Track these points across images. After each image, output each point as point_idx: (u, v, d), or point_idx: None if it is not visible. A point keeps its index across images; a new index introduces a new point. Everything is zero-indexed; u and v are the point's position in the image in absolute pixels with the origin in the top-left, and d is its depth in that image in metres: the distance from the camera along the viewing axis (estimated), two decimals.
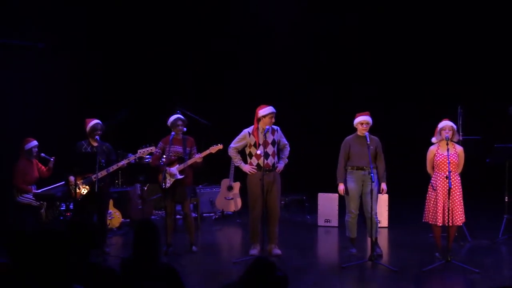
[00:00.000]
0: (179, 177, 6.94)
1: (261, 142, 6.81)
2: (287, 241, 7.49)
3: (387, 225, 8.62)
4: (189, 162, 6.96)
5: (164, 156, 7.06)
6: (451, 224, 6.36)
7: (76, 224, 3.48)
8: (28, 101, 9.14)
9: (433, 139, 6.58)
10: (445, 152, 6.35)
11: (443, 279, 6.11)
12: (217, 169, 9.77)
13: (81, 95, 10.09)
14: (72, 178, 6.90)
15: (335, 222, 8.77)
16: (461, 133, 7.49)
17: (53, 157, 8.11)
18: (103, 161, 6.96)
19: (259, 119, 6.81)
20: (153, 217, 9.41)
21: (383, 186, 6.89)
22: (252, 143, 6.88)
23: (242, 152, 7.07)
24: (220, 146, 7.00)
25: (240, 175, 7.90)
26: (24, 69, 9.05)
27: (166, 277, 3.60)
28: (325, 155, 8.88)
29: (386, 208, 8.63)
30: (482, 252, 7.15)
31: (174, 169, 6.93)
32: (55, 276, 2.64)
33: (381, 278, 6.11)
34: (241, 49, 11.71)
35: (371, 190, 6.49)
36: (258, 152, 6.83)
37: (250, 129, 6.91)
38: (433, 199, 6.49)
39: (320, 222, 8.93)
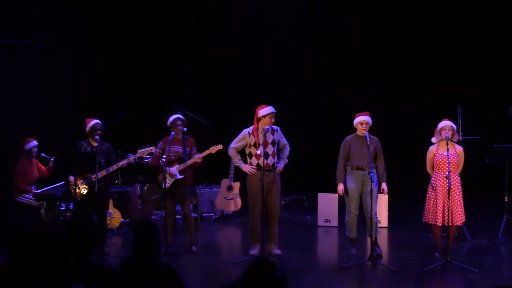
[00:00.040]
0: (179, 177, 6.94)
1: (261, 142, 6.82)
2: (287, 241, 7.49)
3: (387, 225, 8.62)
4: (189, 162, 6.96)
5: (164, 156, 7.06)
6: (450, 224, 6.36)
7: (76, 224, 3.48)
8: (28, 101, 9.14)
9: (433, 139, 6.58)
10: (445, 152, 6.35)
11: (443, 279, 6.11)
12: (217, 169, 9.77)
13: (81, 95, 10.09)
14: (72, 178, 6.90)
15: (335, 222, 8.77)
16: (461, 133, 7.49)
17: (53, 157, 8.11)
18: (103, 161, 6.96)
19: (259, 119, 6.81)
20: (153, 217, 9.41)
21: (384, 186, 6.89)
22: (252, 143, 6.88)
23: (242, 152, 7.07)
24: (220, 146, 7.00)
25: (240, 175, 7.90)
26: (24, 69, 9.05)
27: (166, 277, 3.61)
28: (325, 155, 8.89)
29: (386, 208, 8.63)
30: (482, 252, 7.16)
31: (174, 169, 6.93)
32: (55, 276, 2.64)
33: (381, 278, 6.11)
34: (241, 49, 11.72)
35: (371, 190, 6.49)
36: (258, 152, 6.83)
37: (250, 129, 6.91)
38: (433, 199, 6.49)
39: (320, 222, 8.93)
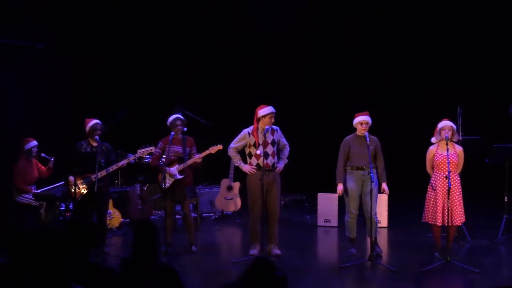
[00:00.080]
0: (179, 177, 6.94)
1: (260, 142, 6.82)
2: (287, 241, 7.49)
3: (386, 225, 8.62)
4: (189, 162, 6.96)
5: (164, 156, 7.06)
6: (450, 224, 6.36)
7: (75, 224, 3.48)
8: (28, 101, 9.14)
9: (433, 139, 6.58)
10: (445, 152, 6.35)
11: (442, 279, 6.11)
12: (217, 169, 9.77)
13: (81, 95, 10.09)
14: (71, 178, 6.90)
15: (334, 222, 8.77)
16: (460, 133, 7.48)
17: (53, 157, 8.11)
18: (102, 161, 6.96)
19: (258, 119, 6.81)
20: (152, 217, 9.41)
21: (384, 186, 6.89)
22: (252, 143, 6.88)
23: (241, 152, 7.07)
24: (220, 147, 7.00)
25: (240, 175, 7.90)
26: (24, 69, 9.05)
27: (166, 277, 3.61)
28: (325, 155, 8.89)
29: (386, 208, 8.62)
30: (482, 252, 7.16)
31: (174, 169, 6.93)
32: (54, 276, 2.64)
33: (381, 278, 6.11)
34: (241, 49, 11.72)
35: (371, 190, 6.49)
36: (258, 152, 6.83)
37: (249, 129, 6.91)
38: (432, 199, 6.49)
39: (320, 222, 8.93)
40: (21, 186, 7.80)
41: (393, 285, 5.85)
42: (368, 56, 11.73)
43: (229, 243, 8.56)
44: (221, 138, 7.13)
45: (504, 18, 10.90)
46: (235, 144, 6.97)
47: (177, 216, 8.81)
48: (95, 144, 7.03)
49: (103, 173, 6.86)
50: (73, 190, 6.80)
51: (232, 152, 6.99)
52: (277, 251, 6.85)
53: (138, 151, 7.11)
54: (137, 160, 7.77)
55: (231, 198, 9.48)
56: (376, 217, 6.90)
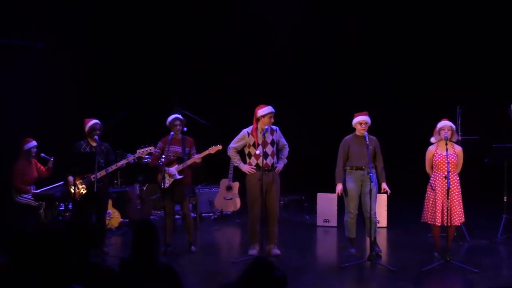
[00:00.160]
0: (178, 177, 6.94)
1: (260, 142, 6.82)
2: (286, 241, 7.49)
3: (386, 225, 8.62)
4: (188, 162, 6.96)
5: (163, 156, 7.07)
6: (450, 224, 6.37)
7: (75, 224, 3.49)
8: (28, 101, 9.14)
9: (432, 139, 6.58)
10: (444, 152, 6.36)
11: (442, 279, 6.11)
12: (216, 169, 9.77)
13: (81, 95, 10.09)
14: (71, 178, 6.90)
15: (334, 222, 8.77)
16: (460, 133, 7.49)
17: (53, 157, 8.11)
18: (102, 161, 6.96)
19: (258, 119, 6.81)
20: (152, 217, 9.42)
21: (384, 186, 6.89)
22: (251, 143, 6.88)
23: (241, 152, 7.07)
24: (219, 147, 6.99)
25: (239, 175, 7.90)
26: (24, 69, 9.06)
27: (165, 277, 3.61)
28: (325, 155, 8.89)
29: (385, 208, 8.62)
30: (481, 252, 7.16)
31: (173, 169, 6.94)
32: (54, 276, 2.64)
33: (380, 278, 6.12)
34: (241, 49, 11.72)
35: (370, 190, 6.49)
36: (257, 152, 6.83)
37: (249, 129, 6.92)
38: (432, 199, 6.49)
39: (319, 222, 8.93)
40: (20, 186, 7.80)
41: (393, 285, 5.85)
42: (368, 56, 11.73)
43: (228, 243, 8.57)
44: (220, 138, 7.13)
45: (504, 18, 10.90)
46: (235, 144, 6.97)
47: (177, 216, 8.82)
48: (94, 144, 7.03)
49: (102, 173, 6.86)
50: (72, 190, 6.80)
51: (231, 152, 6.99)
52: (276, 251, 6.86)
53: (138, 151, 7.11)
54: (136, 160, 7.77)
55: (231, 198, 9.48)
56: (376, 217, 6.90)
